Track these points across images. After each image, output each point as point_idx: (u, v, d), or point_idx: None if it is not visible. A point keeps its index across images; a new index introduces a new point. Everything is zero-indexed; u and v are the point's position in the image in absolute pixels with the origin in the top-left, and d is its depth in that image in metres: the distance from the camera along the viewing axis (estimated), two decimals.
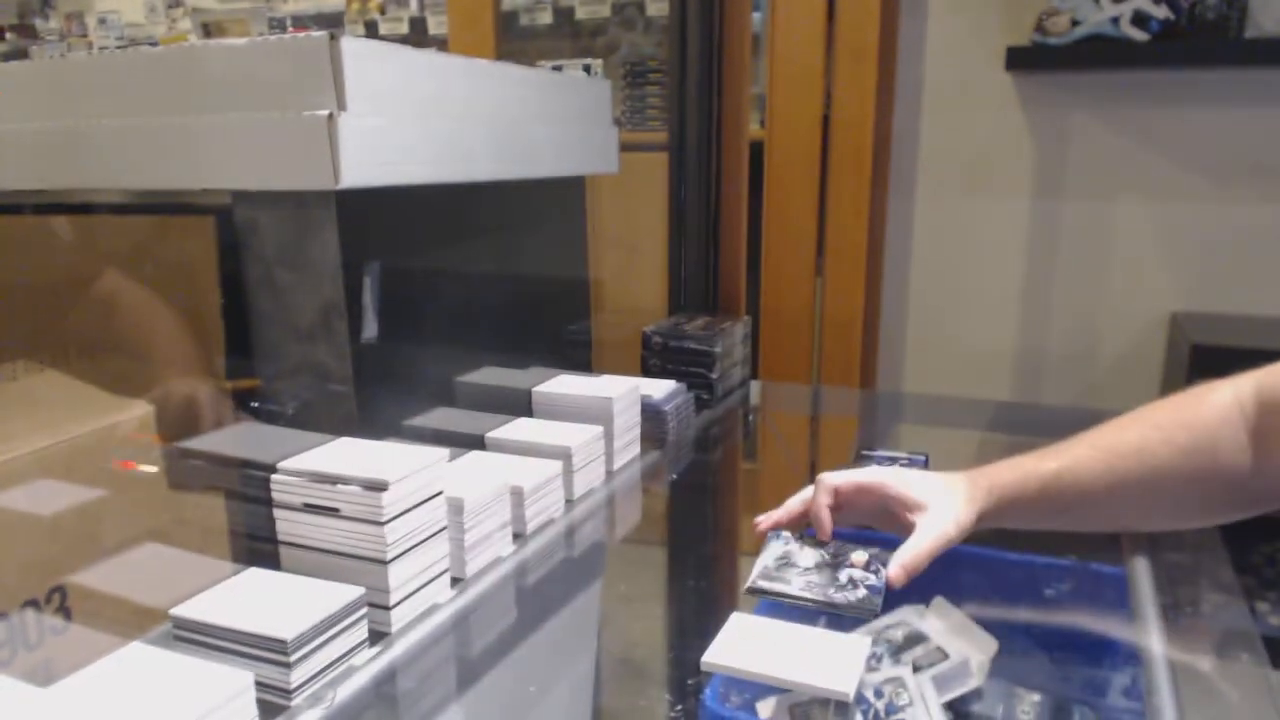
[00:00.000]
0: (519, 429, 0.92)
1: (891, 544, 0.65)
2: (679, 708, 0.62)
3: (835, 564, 0.67)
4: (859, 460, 0.93)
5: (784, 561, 0.68)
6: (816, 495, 0.71)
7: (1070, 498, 0.69)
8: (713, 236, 1.44)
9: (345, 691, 0.60)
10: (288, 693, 0.58)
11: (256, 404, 0.81)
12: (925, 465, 0.92)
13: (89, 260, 0.87)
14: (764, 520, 0.74)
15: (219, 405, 0.80)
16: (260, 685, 0.55)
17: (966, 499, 0.67)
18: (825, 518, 0.70)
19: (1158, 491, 0.69)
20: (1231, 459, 0.67)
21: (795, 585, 0.65)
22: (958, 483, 0.69)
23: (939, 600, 0.66)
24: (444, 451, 0.70)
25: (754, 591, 0.66)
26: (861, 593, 0.64)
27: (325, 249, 0.76)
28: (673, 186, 1.43)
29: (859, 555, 0.67)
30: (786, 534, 0.71)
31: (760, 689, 0.56)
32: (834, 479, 0.71)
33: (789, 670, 0.54)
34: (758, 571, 0.67)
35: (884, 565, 0.64)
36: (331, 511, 0.66)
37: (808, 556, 0.68)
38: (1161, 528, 0.79)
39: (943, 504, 0.67)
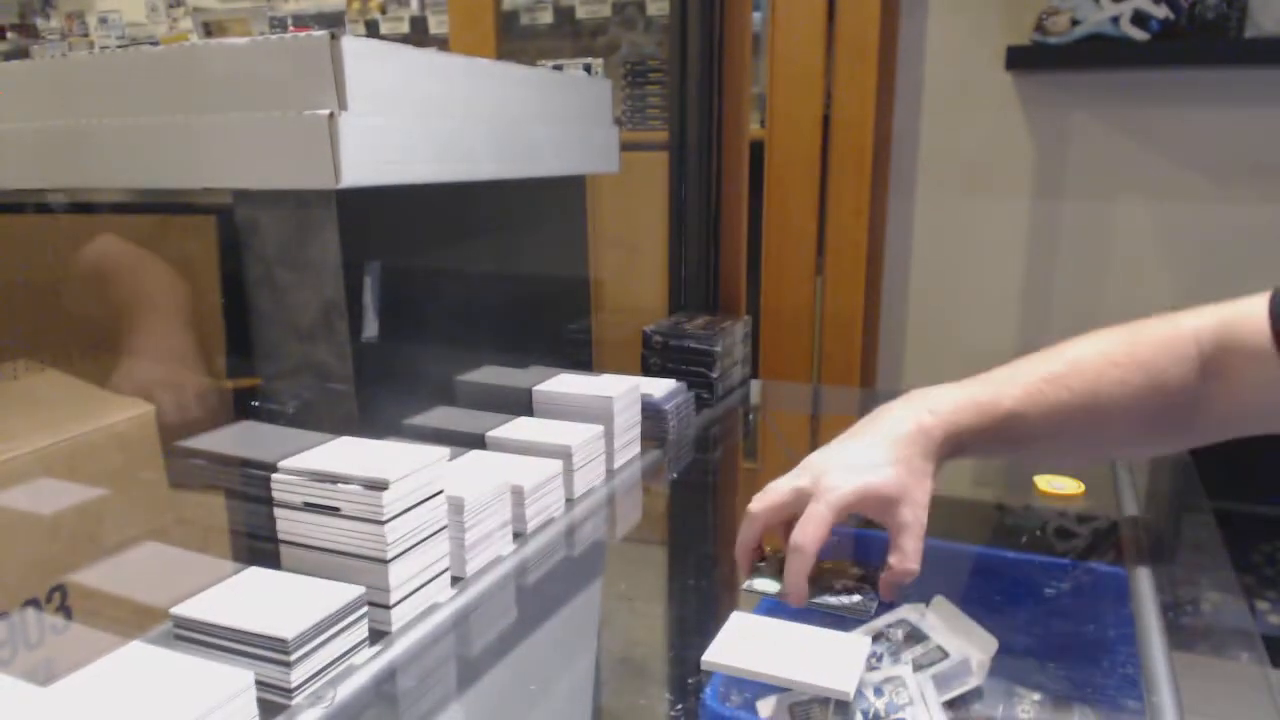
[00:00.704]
0: (519, 428, 0.93)
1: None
2: (679, 707, 0.62)
3: (832, 574, 0.67)
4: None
5: (780, 572, 0.68)
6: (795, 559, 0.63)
7: (1021, 435, 0.69)
8: (713, 236, 1.44)
9: (345, 690, 0.60)
10: (288, 692, 0.58)
11: (257, 403, 0.81)
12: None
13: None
14: (795, 592, 0.65)
15: (208, 375, 0.80)
16: (260, 684, 0.55)
17: (922, 470, 0.65)
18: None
19: (1106, 429, 0.69)
20: (1180, 395, 0.68)
21: None
22: (914, 453, 0.65)
23: (939, 599, 0.66)
24: (444, 450, 0.70)
25: (750, 590, 0.66)
26: (856, 598, 0.64)
27: (326, 248, 0.76)
28: (673, 186, 1.43)
29: (854, 570, 0.68)
30: (782, 553, 0.72)
31: (760, 688, 0.56)
32: (813, 547, 0.63)
33: (789, 669, 0.54)
34: (754, 576, 0.68)
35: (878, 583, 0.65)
36: (332, 510, 0.66)
37: None
38: (1098, 460, 0.78)
39: (908, 496, 0.64)
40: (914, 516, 0.64)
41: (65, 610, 0.66)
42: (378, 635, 0.66)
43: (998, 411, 0.68)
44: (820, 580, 0.67)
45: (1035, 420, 0.68)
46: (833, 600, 0.64)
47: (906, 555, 0.63)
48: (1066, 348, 0.71)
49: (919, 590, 0.64)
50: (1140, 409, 0.68)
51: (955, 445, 0.68)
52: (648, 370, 1.23)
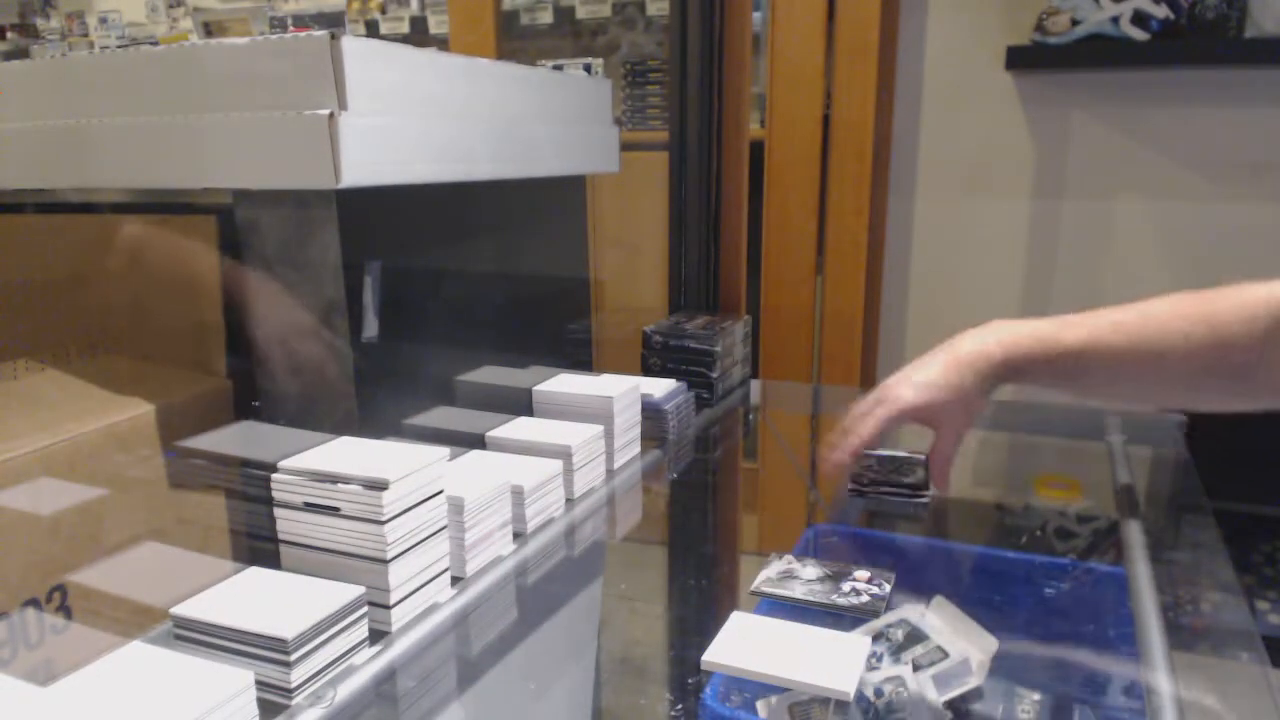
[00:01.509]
0: (519, 428, 0.93)
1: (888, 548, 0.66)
2: (679, 707, 0.62)
3: (838, 577, 0.67)
4: (860, 459, 0.93)
5: (787, 575, 0.68)
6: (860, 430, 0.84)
7: (1079, 370, 0.77)
8: (713, 236, 1.44)
9: (345, 690, 0.60)
10: (288, 692, 0.58)
11: (257, 403, 0.81)
12: (925, 464, 0.93)
13: (90, 259, 0.87)
14: (839, 454, 0.85)
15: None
16: (260, 684, 0.56)
17: (976, 388, 0.79)
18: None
19: (1162, 373, 0.74)
20: (1242, 354, 0.70)
21: (798, 593, 0.66)
22: (970, 374, 0.80)
23: (939, 599, 0.66)
24: (444, 450, 0.70)
25: (758, 593, 0.66)
26: (865, 598, 0.64)
27: (326, 248, 0.76)
28: (673, 186, 1.43)
29: (861, 572, 0.68)
30: (789, 555, 0.72)
31: (760, 688, 0.56)
32: (868, 431, 0.83)
33: (789, 669, 0.54)
34: (760, 579, 0.68)
35: (886, 581, 0.65)
36: (332, 510, 0.66)
37: (810, 571, 0.69)
38: (1159, 405, 0.90)
39: (958, 408, 0.80)
40: (962, 423, 0.82)
41: (65, 610, 0.66)
42: (378, 635, 0.66)
43: (1058, 346, 0.77)
44: (828, 580, 0.67)
45: (1093, 358, 0.75)
46: (841, 601, 0.64)
47: (944, 452, 0.83)
48: (1142, 302, 0.77)
49: (919, 590, 0.64)
50: (1200, 359, 0.72)
51: (1013, 371, 0.79)
52: (648, 370, 1.23)
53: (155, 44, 2.45)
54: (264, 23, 3.29)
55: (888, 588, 0.65)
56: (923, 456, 0.94)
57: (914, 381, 0.83)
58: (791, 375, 1.75)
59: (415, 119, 0.79)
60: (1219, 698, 0.63)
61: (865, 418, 0.85)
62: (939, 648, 0.62)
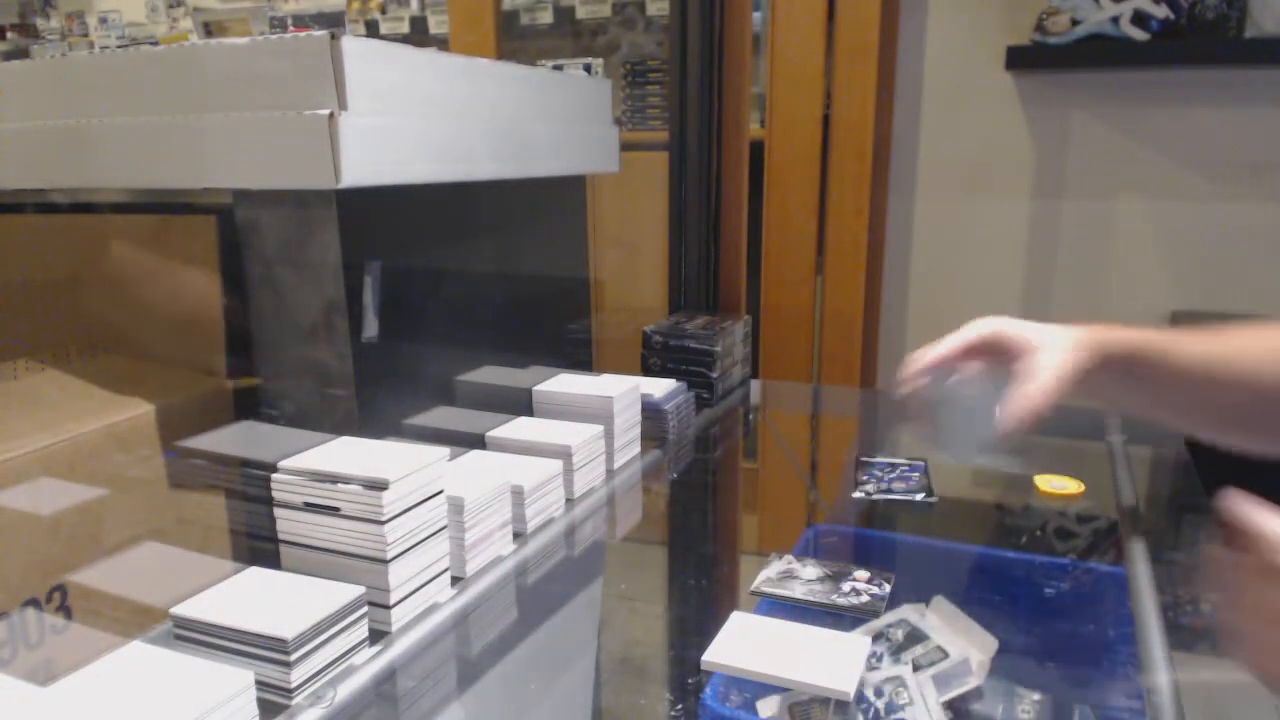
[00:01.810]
0: (519, 428, 0.93)
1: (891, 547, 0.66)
2: (679, 707, 0.62)
3: (838, 577, 0.68)
4: (860, 467, 0.94)
5: (787, 575, 0.69)
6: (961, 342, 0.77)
7: (1148, 376, 0.73)
8: (713, 236, 1.44)
9: (345, 690, 0.60)
10: (288, 692, 0.58)
11: (258, 402, 0.81)
12: (924, 471, 0.93)
13: (91, 259, 0.87)
14: (916, 368, 0.78)
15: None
16: (260, 684, 0.56)
17: (1084, 359, 0.71)
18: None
19: (1230, 400, 0.71)
20: None
21: (798, 593, 0.66)
22: (1081, 345, 0.73)
23: (939, 599, 0.66)
24: (444, 450, 0.70)
25: (758, 593, 0.66)
26: (865, 598, 0.64)
27: (326, 248, 0.76)
28: (673, 186, 1.43)
29: (861, 572, 0.68)
30: (789, 555, 0.72)
31: (760, 688, 0.56)
32: (949, 345, 0.77)
33: (789, 669, 0.54)
34: (760, 579, 0.68)
35: (886, 581, 0.65)
36: (332, 510, 0.66)
37: (810, 571, 0.69)
38: (1235, 443, 0.82)
39: (1054, 346, 0.71)
40: (1062, 369, 0.70)
41: (65, 610, 0.66)
42: (378, 635, 0.66)
43: (1145, 344, 0.72)
44: (829, 580, 0.67)
45: (1171, 362, 0.72)
46: (841, 601, 0.64)
47: (1034, 391, 0.69)
48: (1244, 328, 0.74)
49: (919, 590, 0.64)
50: (1263, 389, 0.69)
51: (1100, 360, 0.72)
52: (648, 370, 1.23)
53: (155, 44, 2.45)
54: (264, 23, 3.29)
55: (888, 588, 0.65)
56: (923, 464, 0.94)
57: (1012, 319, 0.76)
58: (791, 375, 1.75)
59: (415, 119, 0.79)
60: (1219, 698, 0.63)
61: (950, 336, 0.78)
62: (939, 648, 0.62)
